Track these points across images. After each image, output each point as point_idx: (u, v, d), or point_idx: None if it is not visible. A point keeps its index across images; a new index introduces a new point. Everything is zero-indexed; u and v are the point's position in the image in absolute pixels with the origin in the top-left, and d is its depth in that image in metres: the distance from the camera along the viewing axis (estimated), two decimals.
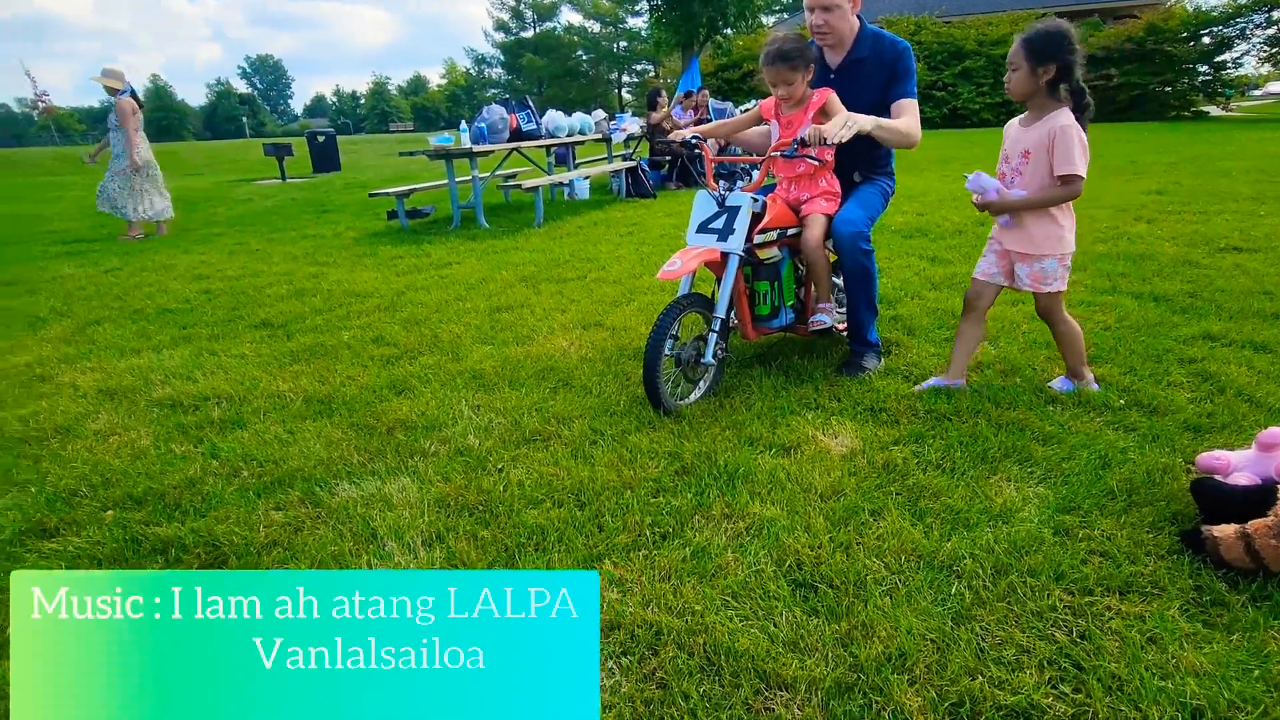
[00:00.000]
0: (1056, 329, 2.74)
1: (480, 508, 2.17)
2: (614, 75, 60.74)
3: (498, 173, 8.98)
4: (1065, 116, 2.46)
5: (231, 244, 7.52)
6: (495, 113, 8.03)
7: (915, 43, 24.95)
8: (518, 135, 8.32)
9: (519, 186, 7.19)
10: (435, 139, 7.48)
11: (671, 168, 10.53)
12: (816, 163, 2.84)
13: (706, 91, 11.67)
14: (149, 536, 2.07)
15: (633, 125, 11.20)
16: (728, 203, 2.82)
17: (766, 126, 3.13)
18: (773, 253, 2.95)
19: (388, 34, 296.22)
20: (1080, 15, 25.50)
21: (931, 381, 2.83)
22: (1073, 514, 2.01)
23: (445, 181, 8.10)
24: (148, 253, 7.17)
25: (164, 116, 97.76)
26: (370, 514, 2.14)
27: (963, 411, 2.63)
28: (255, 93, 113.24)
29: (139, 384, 3.33)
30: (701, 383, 2.90)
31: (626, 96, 58.15)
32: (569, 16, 59.38)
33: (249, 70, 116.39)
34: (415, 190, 8.09)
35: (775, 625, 1.64)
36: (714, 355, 2.79)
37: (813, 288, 3.15)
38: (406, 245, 6.72)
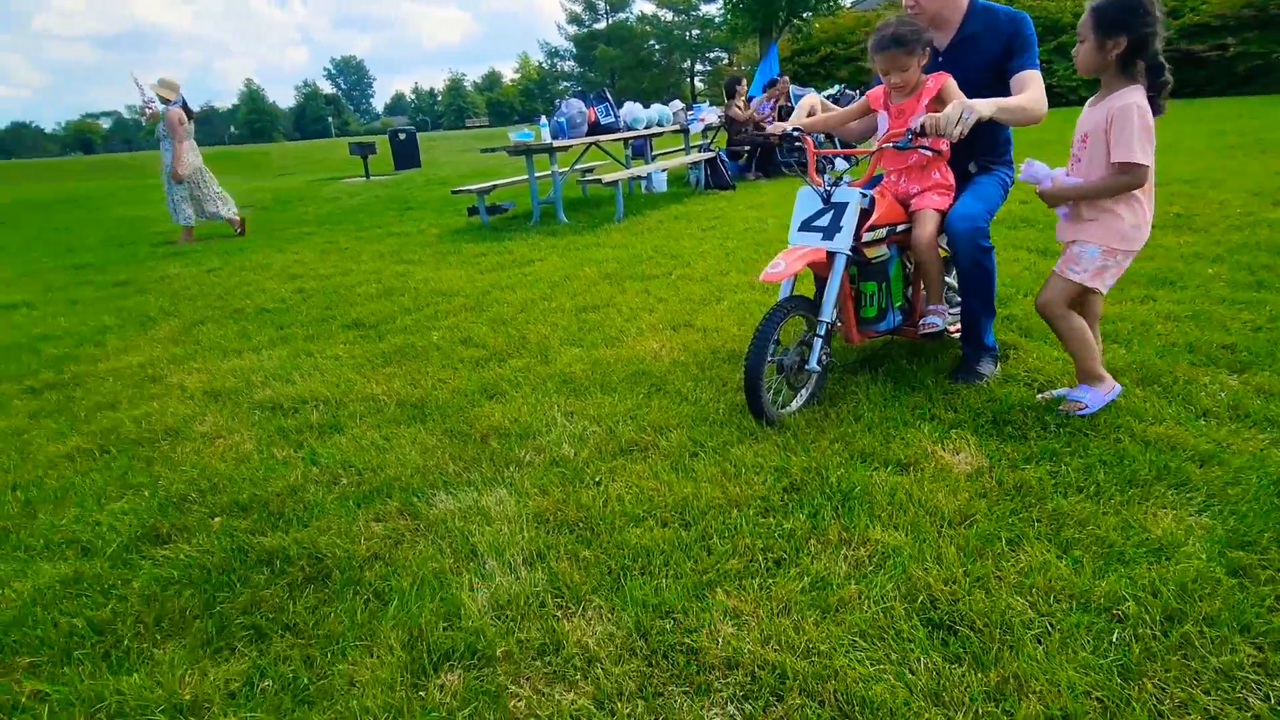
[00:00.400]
0: (1056, 324, 2.47)
1: (580, 524, 2.08)
2: (686, 64, 60.20)
3: (576, 167, 8.94)
4: (1131, 94, 2.18)
5: (322, 242, 7.75)
6: (574, 106, 7.98)
7: None
8: (595, 129, 8.27)
9: (598, 181, 7.11)
10: (515, 134, 7.49)
11: (750, 158, 10.28)
12: (932, 153, 2.62)
13: (787, 79, 11.33)
14: (255, 546, 2.07)
15: (710, 115, 10.99)
16: (834, 199, 2.64)
17: (873, 116, 2.92)
18: (881, 251, 2.76)
19: (463, 31, 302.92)
20: None
21: (1062, 391, 2.58)
22: (1248, 550, 1.77)
23: (524, 177, 8.12)
24: (246, 252, 7.47)
25: (257, 119, 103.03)
26: (469, 528, 2.09)
27: (1100, 426, 2.38)
28: (340, 93, 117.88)
29: (241, 385, 3.41)
30: (804, 390, 2.74)
31: (699, 85, 57.57)
32: (641, 6, 59.35)
33: (333, 72, 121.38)
34: (496, 186, 8.14)
35: (912, 673, 1.48)
36: (819, 361, 2.62)
37: (922, 288, 2.94)
38: (488, 242, 6.76)
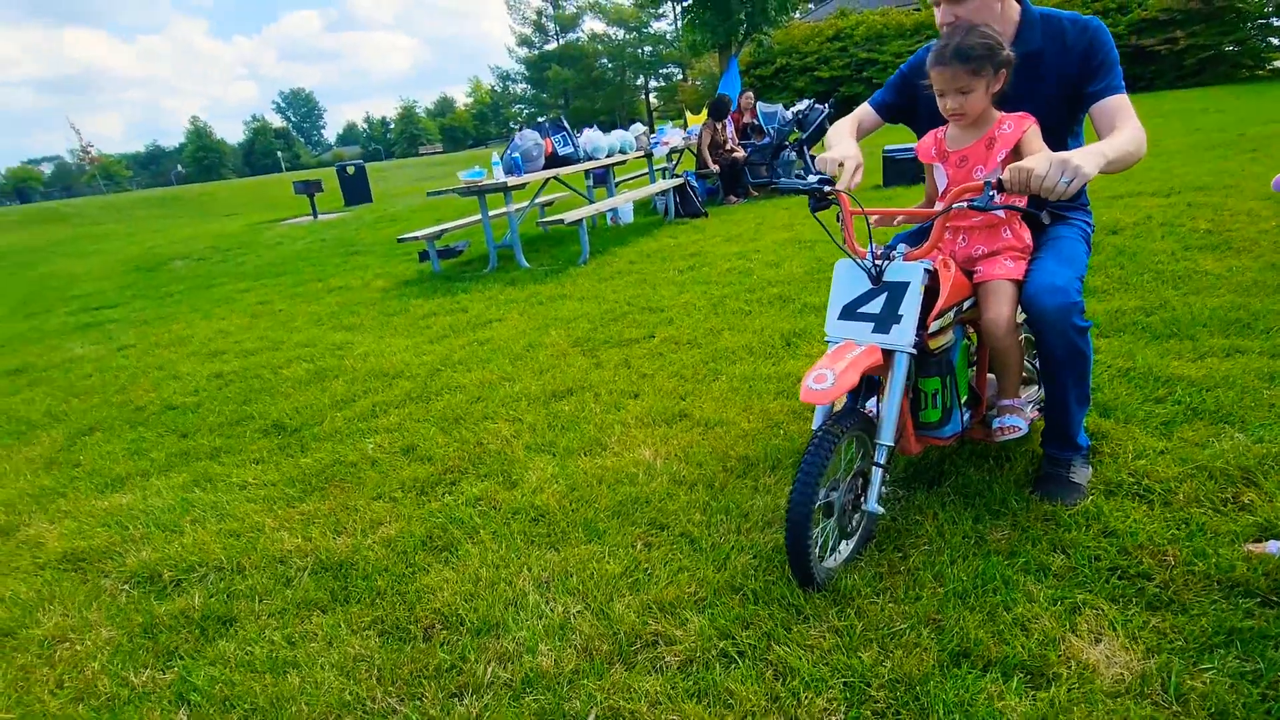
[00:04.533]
0: None
1: None
2: (640, 81, 59.93)
3: (536, 201, 8.23)
4: None
5: (254, 303, 6.93)
6: (529, 139, 7.28)
7: None
8: (554, 160, 7.58)
9: (560, 221, 6.41)
10: (465, 174, 6.76)
11: (723, 179, 9.65)
12: (1020, 212, 1.95)
13: (751, 94, 10.77)
14: None
15: (675, 137, 10.38)
16: (886, 277, 1.96)
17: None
18: (946, 339, 2.09)
19: (412, 58, 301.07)
20: None
21: None
22: None
23: (478, 218, 7.39)
24: (167, 320, 6.62)
25: (205, 156, 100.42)
26: None
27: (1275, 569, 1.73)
28: (290, 125, 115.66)
29: (114, 541, 2.61)
30: (857, 531, 2.05)
31: (654, 102, 57.24)
32: (591, 25, 58.86)
33: (283, 105, 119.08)
34: (446, 230, 7.38)
35: None
36: (879, 498, 1.94)
37: (989, 377, 2.28)
38: (440, 297, 6.00)
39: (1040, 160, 1.75)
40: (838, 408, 2.04)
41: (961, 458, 2.44)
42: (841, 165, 2.09)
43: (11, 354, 6.05)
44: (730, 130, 9.85)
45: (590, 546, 2.22)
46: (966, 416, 2.24)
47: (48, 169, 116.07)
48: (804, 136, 9.77)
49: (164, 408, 4.08)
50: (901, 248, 2.02)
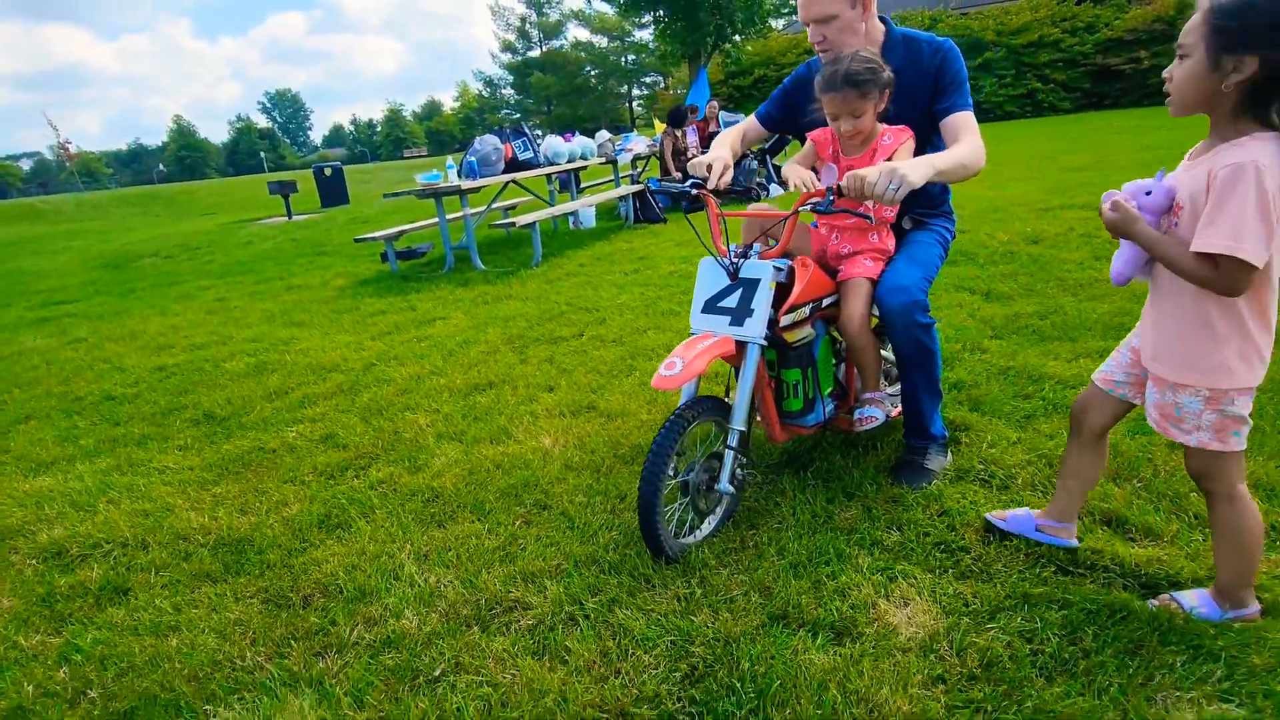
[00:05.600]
0: (1215, 509, 1.62)
1: None
2: (624, 89, 60.29)
3: (495, 205, 8.37)
4: (1253, 149, 1.36)
5: (212, 300, 7.00)
6: (488, 144, 7.42)
7: None
8: (514, 165, 7.72)
9: (513, 225, 6.55)
10: (422, 176, 6.88)
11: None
12: (866, 219, 2.12)
13: (715, 104, 10.99)
14: None
15: (639, 145, 10.56)
16: (742, 274, 2.13)
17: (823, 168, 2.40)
18: (805, 332, 2.25)
19: (400, 61, 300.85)
20: None
21: (1019, 523, 1.99)
22: None
23: (436, 220, 7.51)
24: (123, 315, 6.68)
25: (188, 155, 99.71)
26: None
27: (1082, 549, 1.90)
28: (275, 126, 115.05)
29: (29, 519, 2.72)
30: (716, 510, 2.20)
31: (637, 109, 57.59)
32: (575, 33, 59.15)
33: (268, 105, 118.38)
34: (404, 231, 7.50)
35: None
36: (732, 479, 2.09)
37: (856, 373, 2.45)
38: (393, 296, 6.12)
39: (872, 170, 1.92)
40: (692, 395, 2.18)
41: (833, 447, 2.61)
42: (710, 168, 2.25)
43: None
44: (693, 138, 10.05)
45: (475, 525, 2.36)
46: (830, 407, 2.41)
47: (27, 165, 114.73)
48: (766, 146, 9.99)
49: (103, 398, 4.17)
50: (758, 247, 2.18)
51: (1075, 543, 1.91)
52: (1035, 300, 3.98)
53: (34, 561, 2.44)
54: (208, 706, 1.70)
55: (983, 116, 19.78)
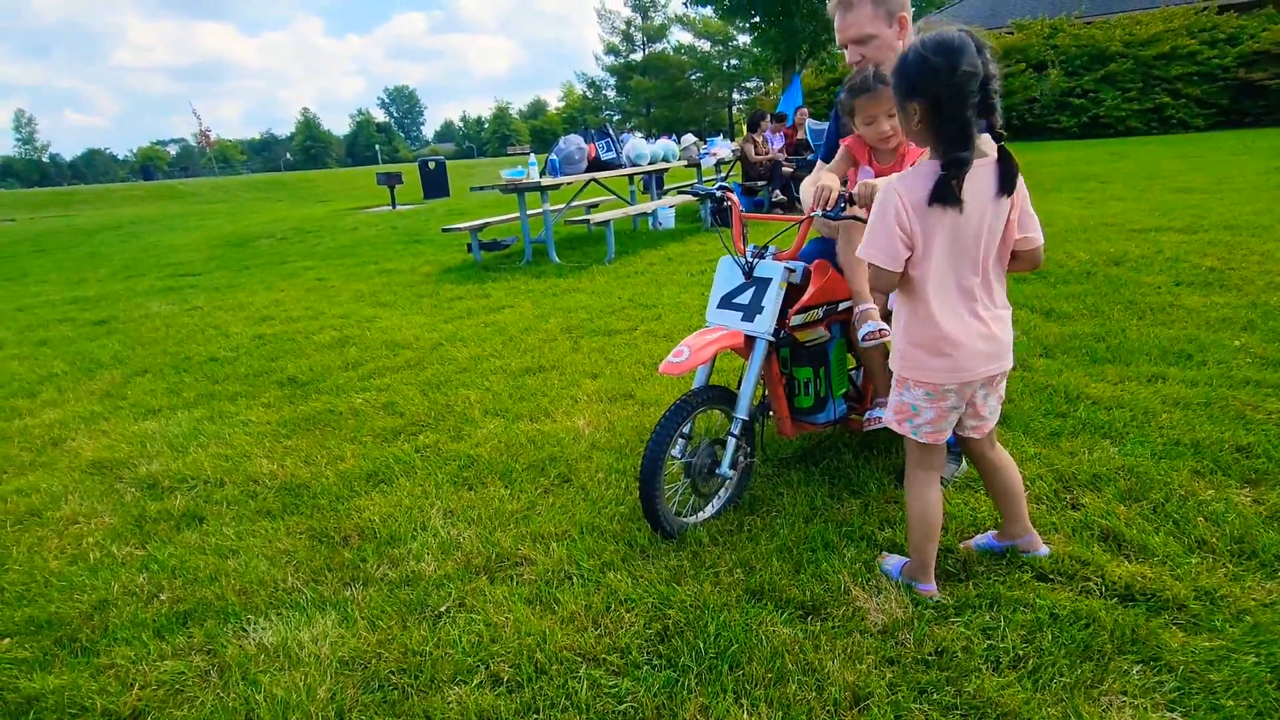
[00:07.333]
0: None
1: (395, 677, 1.71)
2: (724, 94, 60.19)
3: (576, 202, 8.68)
4: (901, 174, 1.72)
5: (313, 279, 7.61)
6: (571, 143, 7.73)
7: (1050, 46, 22.93)
8: (596, 164, 8.00)
9: (586, 222, 6.81)
10: (506, 172, 7.25)
11: (770, 180, 9.85)
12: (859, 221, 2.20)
13: (805, 110, 10.95)
14: (17, 689, 1.75)
15: (724, 149, 10.66)
16: (756, 273, 2.25)
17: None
18: (818, 333, 2.35)
19: (511, 60, 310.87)
20: (1248, 7, 22.63)
21: (982, 542, 2.03)
22: None
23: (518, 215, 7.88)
24: (236, 289, 7.36)
25: (312, 145, 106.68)
26: (263, 678, 1.73)
27: (1063, 560, 1.93)
28: (392, 120, 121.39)
29: (132, 455, 3.14)
30: (718, 495, 2.33)
31: (738, 114, 57.37)
32: (679, 36, 59.49)
33: (386, 100, 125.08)
34: (488, 224, 7.91)
35: None
36: (734, 464, 2.22)
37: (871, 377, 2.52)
38: (471, 283, 6.50)
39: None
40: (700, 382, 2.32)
41: (847, 447, 2.68)
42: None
43: (102, 308, 6.90)
44: (777, 143, 10.07)
45: (501, 490, 2.58)
46: (843, 409, 2.49)
47: (174, 150, 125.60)
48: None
49: (208, 359, 4.68)
50: (773, 249, 2.30)
51: (1044, 550, 1.95)
52: (1097, 321, 3.87)
53: (133, 489, 2.84)
54: (250, 616, 1.98)
55: (1101, 131, 18.62)
